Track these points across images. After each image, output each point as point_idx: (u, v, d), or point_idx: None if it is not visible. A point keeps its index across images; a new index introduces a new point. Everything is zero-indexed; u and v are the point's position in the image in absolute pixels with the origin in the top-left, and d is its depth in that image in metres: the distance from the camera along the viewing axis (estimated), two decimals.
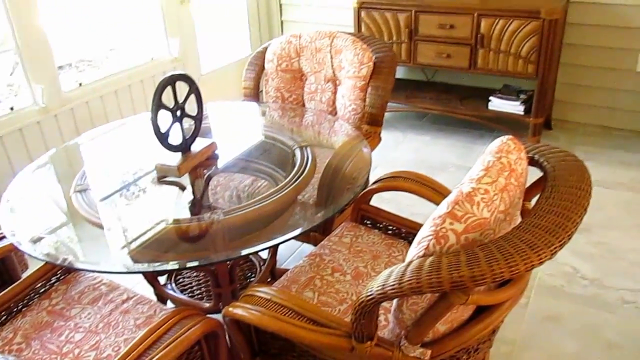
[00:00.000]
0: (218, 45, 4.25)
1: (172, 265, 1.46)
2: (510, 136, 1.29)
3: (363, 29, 3.55)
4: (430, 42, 3.37)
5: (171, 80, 1.67)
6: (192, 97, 1.82)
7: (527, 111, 3.31)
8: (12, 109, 2.83)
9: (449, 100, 3.60)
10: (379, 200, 2.01)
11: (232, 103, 2.54)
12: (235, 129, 2.28)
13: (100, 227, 1.58)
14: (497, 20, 3.12)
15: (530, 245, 1.00)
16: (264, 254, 2.25)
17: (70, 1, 3.19)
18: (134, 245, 1.50)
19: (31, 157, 2.76)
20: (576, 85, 3.59)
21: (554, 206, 1.10)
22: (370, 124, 2.22)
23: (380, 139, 2.23)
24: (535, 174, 1.31)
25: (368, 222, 1.93)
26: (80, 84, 3.13)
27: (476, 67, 3.30)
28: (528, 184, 1.35)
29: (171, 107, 1.71)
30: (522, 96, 3.36)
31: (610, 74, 3.46)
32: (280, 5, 4.40)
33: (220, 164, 1.94)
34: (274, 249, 2.18)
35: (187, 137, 1.78)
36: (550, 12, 2.98)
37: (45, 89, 2.84)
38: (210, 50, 4.08)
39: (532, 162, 1.33)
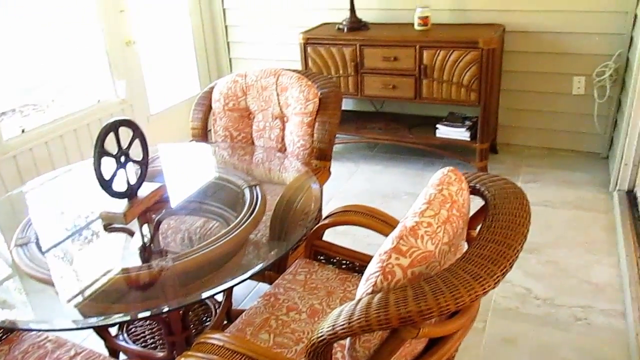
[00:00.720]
0: (167, 85, 4.23)
1: (122, 318, 1.42)
2: (451, 167, 1.32)
3: (310, 63, 3.60)
4: (376, 75, 3.45)
5: (113, 127, 1.65)
6: (137, 141, 1.80)
7: (473, 137, 3.41)
8: None
9: (398, 129, 3.67)
10: (334, 233, 2.02)
11: (183, 144, 2.52)
12: (185, 170, 2.26)
13: (44, 282, 1.52)
14: (438, 52, 3.22)
15: (474, 276, 1.02)
16: (219, 297, 2.21)
17: (12, 45, 3.12)
18: (81, 299, 1.45)
19: None
20: (518, 109, 3.73)
21: (495, 235, 1.13)
22: (320, 159, 2.24)
23: (330, 173, 2.25)
24: (479, 201, 1.34)
25: (322, 257, 1.93)
26: (23, 130, 3.05)
27: (422, 97, 3.39)
28: (472, 212, 1.38)
29: (115, 153, 1.69)
30: (467, 123, 3.46)
31: (549, 98, 3.62)
32: (228, 43, 4.44)
33: (171, 207, 1.92)
34: (228, 291, 2.15)
35: (132, 183, 1.75)
36: (488, 42, 3.11)
37: None
38: (159, 90, 4.06)
39: (473, 191, 1.36)
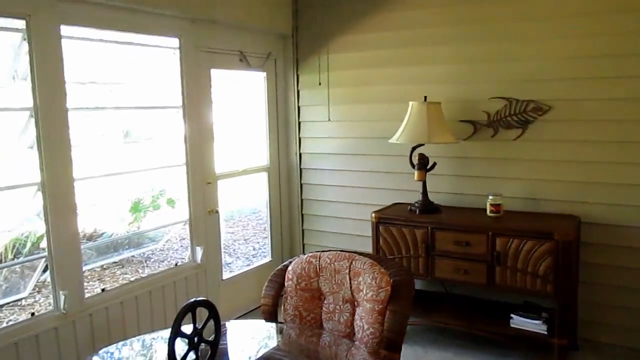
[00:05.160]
0: (240, 252, 4.39)
1: None
2: None
3: (381, 242, 3.66)
4: (447, 258, 3.44)
5: (192, 308, 1.70)
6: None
7: (551, 331, 3.21)
8: (33, 314, 2.88)
9: (469, 315, 3.54)
10: None
11: (251, 322, 2.53)
12: (249, 352, 2.22)
13: None
14: (511, 240, 3.20)
15: None
16: None
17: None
18: None
19: None
20: (600, 304, 3.51)
21: None
22: (389, 350, 2.17)
23: None
24: None
25: None
26: (104, 290, 3.20)
27: (495, 284, 3.31)
28: None
29: (189, 333, 1.72)
30: (544, 314, 3.29)
31: (634, 294, 3.41)
32: (302, 215, 4.63)
33: None
34: None
35: None
36: (564, 234, 3.07)
37: (69, 295, 2.87)
38: (232, 256, 4.21)
39: None
